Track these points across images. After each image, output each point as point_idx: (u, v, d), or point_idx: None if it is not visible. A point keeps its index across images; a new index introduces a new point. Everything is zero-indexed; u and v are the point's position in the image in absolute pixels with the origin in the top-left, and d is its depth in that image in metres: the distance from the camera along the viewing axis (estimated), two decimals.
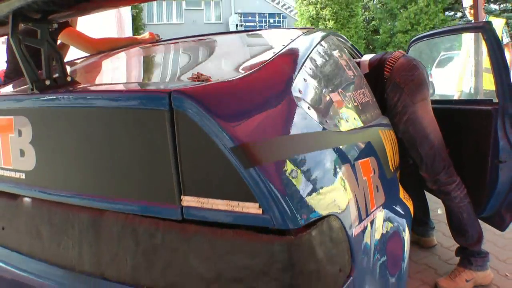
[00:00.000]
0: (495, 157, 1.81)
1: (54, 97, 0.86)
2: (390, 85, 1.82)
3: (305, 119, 0.84)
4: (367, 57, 2.03)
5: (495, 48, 1.73)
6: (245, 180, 0.65)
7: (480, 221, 1.98)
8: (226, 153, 0.65)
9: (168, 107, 0.69)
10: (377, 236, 0.97)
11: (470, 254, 1.96)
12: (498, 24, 3.65)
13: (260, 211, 0.65)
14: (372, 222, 0.95)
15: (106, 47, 1.88)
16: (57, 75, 0.95)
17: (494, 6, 16.13)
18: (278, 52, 1.03)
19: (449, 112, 2.03)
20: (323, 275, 0.68)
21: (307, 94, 0.92)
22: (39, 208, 0.94)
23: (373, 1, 18.16)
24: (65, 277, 0.89)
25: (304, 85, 0.94)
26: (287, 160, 0.70)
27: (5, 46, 2.05)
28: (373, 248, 0.92)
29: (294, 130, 0.79)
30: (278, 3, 20.99)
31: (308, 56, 1.08)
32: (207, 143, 0.67)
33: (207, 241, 0.69)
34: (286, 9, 21.21)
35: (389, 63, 1.87)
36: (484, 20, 2.82)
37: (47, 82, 0.91)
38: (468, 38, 3.33)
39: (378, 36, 16.19)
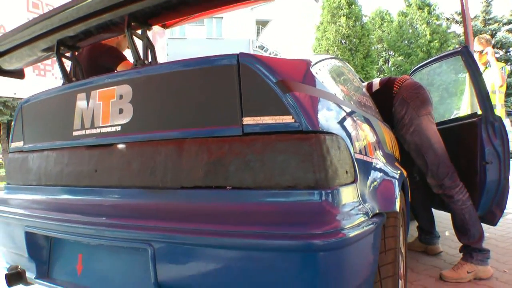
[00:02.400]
0: (482, 159, 2.13)
1: (154, 67, 1.29)
2: (398, 100, 2.20)
3: (319, 85, 1.25)
4: (377, 79, 2.48)
5: (473, 67, 2.13)
6: (283, 102, 1.04)
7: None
8: (271, 85, 1.06)
9: (236, 62, 1.11)
10: (375, 173, 1.32)
11: (472, 250, 2.20)
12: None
13: (293, 120, 1.03)
14: (370, 162, 1.31)
15: None
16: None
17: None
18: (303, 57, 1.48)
19: (445, 131, 2.37)
20: (334, 165, 1.04)
21: (321, 76, 1.34)
22: (131, 148, 1.32)
23: (387, 64, 19.16)
24: (150, 195, 1.25)
25: (319, 72, 1.35)
26: (307, 95, 1.10)
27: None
28: (371, 176, 1.27)
29: (311, 83, 1.20)
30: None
31: (322, 60, 1.52)
32: (260, 81, 1.07)
33: (259, 144, 1.07)
34: None
35: (398, 81, 2.28)
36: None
37: (146, 62, 1.35)
38: (469, 87, 3.73)
39: None
